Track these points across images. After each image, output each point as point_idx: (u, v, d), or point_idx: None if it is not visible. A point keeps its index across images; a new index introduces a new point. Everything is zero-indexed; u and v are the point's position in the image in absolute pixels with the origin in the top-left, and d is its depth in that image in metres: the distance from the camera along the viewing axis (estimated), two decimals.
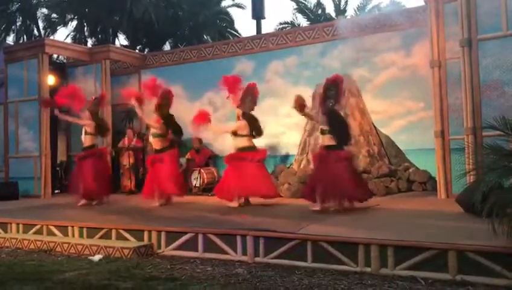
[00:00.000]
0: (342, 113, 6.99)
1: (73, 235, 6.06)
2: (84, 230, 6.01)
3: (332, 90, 6.66)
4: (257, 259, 4.88)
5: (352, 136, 6.81)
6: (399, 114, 9.18)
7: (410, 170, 8.82)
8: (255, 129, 7.35)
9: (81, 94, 8.51)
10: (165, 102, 7.86)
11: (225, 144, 10.32)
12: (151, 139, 8.20)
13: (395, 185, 8.54)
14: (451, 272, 4.03)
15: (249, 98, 7.44)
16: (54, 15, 15.12)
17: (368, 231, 4.81)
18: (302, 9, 15.38)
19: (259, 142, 7.65)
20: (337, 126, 6.53)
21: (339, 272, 4.37)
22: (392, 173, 8.74)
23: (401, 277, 4.14)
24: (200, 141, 10.58)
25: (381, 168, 8.77)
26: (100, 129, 8.47)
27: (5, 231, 6.62)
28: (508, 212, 3.90)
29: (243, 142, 7.35)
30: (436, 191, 7.75)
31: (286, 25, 15.56)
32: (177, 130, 7.99)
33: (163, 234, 5.46)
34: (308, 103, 9.66)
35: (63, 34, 38.88)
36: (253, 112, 7.47)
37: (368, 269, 4.34)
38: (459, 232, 4.62)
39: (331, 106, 6.60)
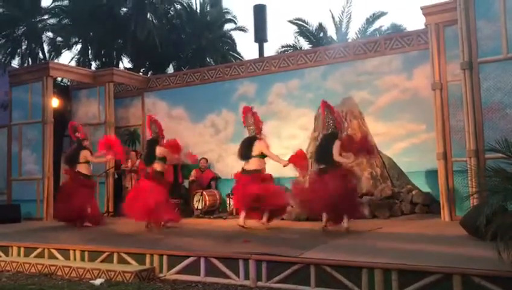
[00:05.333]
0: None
1: (74, 259, 6.03)
2: (86, 253, 5.98)
3: (329, 118, 6.83)
4: (259, 283, 4.84)
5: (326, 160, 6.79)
6: (401, 136, 9.19)
7: (413, 192, 8.77)
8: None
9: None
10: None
11: (228, 165, 10.36)
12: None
13: (398, 208, 8.49)
14: None
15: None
16: (59, 38, 15.31)
17: (371, 254, 4.77)
18: (303, 32, 15.51)
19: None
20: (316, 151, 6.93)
21: None
22: (395, 195, 8.69)
23: None
24: (206, 160, 10.64)
25: (384, 191, 8.74)
26: None
27: (6, 255, 6.59)
28: None
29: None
30: (439, 213, 7.70)
31: (288, 48, 15.67)
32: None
33: (165, 258, 5.42)
34: (311, 124, 9.87)
35: (68, 57, 39.30)
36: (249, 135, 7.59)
37: None
38: (464, 256, 4.57)
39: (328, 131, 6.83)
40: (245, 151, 7.42)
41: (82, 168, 8.74)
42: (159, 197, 7.58)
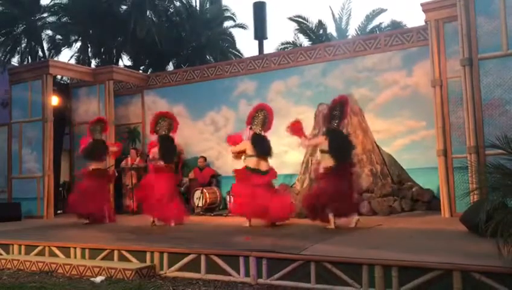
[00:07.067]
0: (345, 132, 7.01)
1: (75, 256, 6.03)
2: (86, 251, 5.98)
3: (337, 111, 6.75)
4: (260, 280, 4.84)
5: (354, 156, 6.85)
6: (401, 133, 9.20)
7: (414, 189, 8.78)
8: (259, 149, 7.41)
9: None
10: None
11: (228, 163, 10.36)
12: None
13: (399, 204, 8.50)
14: None
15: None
16: (59, 36, 15.28)
17: (371, 251, 4.77)
18: (303, 29, 15.47)
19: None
20: (336, 147, 6.64)
21: None
22: (395, 192, 8.70)
23: None
24: (204, 159, 10.65)
25: (384, 188, 8.74)
26: None
27: (7, 253, 6.59)
28: None
29: (251, 163, 7.43)
30: (439, 210, 7.70)
31: (288, 45, 15.64)
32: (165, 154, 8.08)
33: (165, 255, 5.42)
34: (311, 121, 9.84)
35: (67, 55, 39.27)
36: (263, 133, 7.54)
37: None
38: (464, 252, 4.58)
39: (335, 126, 6.69)
40: (269, 149, 7.42)
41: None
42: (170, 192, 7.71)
